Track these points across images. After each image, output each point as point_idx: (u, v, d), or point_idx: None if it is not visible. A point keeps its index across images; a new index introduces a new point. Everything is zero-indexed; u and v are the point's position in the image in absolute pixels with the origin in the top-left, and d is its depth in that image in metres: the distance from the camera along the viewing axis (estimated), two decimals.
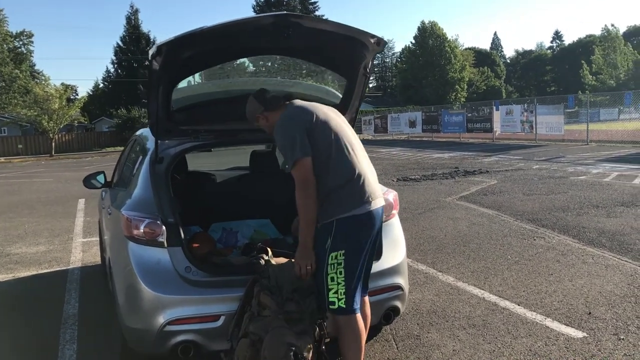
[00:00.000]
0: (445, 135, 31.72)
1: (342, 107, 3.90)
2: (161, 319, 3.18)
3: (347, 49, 3.54)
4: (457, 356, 3.79)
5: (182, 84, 3.60)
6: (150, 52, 3.10)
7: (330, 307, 2.97)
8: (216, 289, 3.26)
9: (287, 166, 3.02)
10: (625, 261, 5.91)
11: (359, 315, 3.03)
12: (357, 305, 3.02)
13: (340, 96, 3.95)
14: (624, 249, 6.39)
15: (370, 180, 3.04)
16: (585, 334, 4.05)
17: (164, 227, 3.31)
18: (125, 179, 4.44)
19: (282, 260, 3.21)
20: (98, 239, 6.80)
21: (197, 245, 3.74)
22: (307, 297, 2.97)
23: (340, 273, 2.95)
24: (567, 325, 4.24)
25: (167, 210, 3.41)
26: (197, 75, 3.70)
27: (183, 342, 3.20)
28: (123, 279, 3.43)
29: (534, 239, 7.04)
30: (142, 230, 3.32)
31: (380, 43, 3.36)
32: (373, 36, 3.33)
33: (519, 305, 4.71)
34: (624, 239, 6.83)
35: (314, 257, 2.95)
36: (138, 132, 5.00)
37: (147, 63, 3.50)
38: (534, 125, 24.97)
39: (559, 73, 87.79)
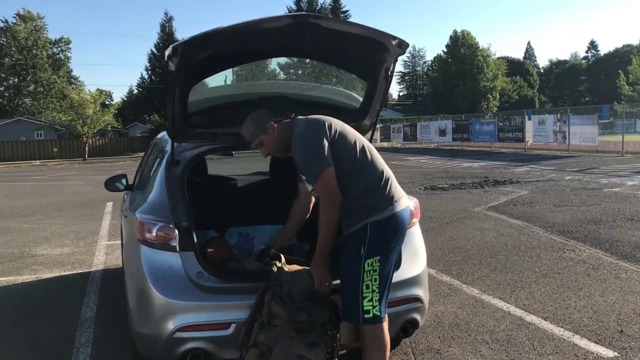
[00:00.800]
0: (476, 144, 31.29)
1: (362, 111, 3.80)
2: (171, 325, 3.10)
3: (367, 51, 3.43)
4: None
5: (200, 86, 3.53)
6: (167, 52, 3.05)
7: (365, 316, 2.88)
8: (228, 295, 3.17)
9: (306, 178, 2.96)
10: None
11: (385, 324, 2.94)
12: (385, 314, 2.95)
13: (361, 100, 3.84)
14: None
15: (396, 182, 3.01)
16: (616, 354, 3.84)
17: (176, 231, 3.25)
18: (143, 182, 4.40)
19: (296, 267, 3.11)
20: (120, 242, 6.81)
21: (212, 250, 3.67)
22: (318, 307, 2.86)
23: (375, 280, 2.87)
24: (597, 343, 4.03)
25: (181, 213, 3.35)
26: (214, 78, 3.63)
27: (192, 350, 3.11)
28: (135, 283, 3.37)
29: (564, 252, 6.79)
30: (154, 234, 3.26)
31: (402, 45, 3.25)
32: (395, 38, 3.22)
33: (545, 320, 4.51)
34: None
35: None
36: (159, 135, 4.97)
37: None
38: (566, 136, 24.43)
39: (593, 83, 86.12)
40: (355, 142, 2.93)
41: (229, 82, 3.88)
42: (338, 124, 2.95)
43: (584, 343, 4.03)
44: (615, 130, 28.11)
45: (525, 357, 3.82)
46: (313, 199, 3.29)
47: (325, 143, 2.80)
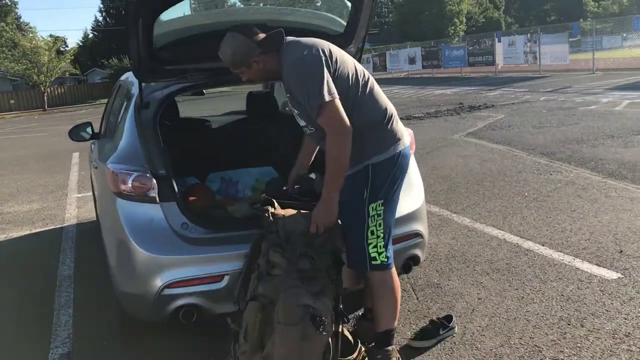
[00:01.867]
0: (447, 70, 30.92)
1: (346, 37, 3.45)
2: (158, 282, 2.85)
3: None
4: (483, 305, 3.49)
5: (165, 16, 3.13)
6: None
7: (373, 262, 2.67)
8: (218, 246, 2.92)
9: (298, 112, 2.63)
10: None
11: (394, 270, 2.74)
12: (392, 259, 2.75)
13: (345, 24, 3.49)
14: None
15: (398, 118, 2.73)
16: (620, 275, 3.74)
17: (154, 181, 2.94)
18: (111, 129, 4.04)
19: (291, 212, 2.85)
20: (92, 194, 6.47)
21: (193, 198, 3.38)
22: (321, 253, 2.63)
23: (380, 225, 2.65)
24: (599, 265, 3.93)
25: (158, 161, 3.04)
26: (181, 5, 3.22)
27: (184, 306, 2.88)
28: (114, 240, 3.09)
29: (551, 174, 6.68)
30: (130, 185, 2.95)
31: None
32: None
33: (543, 245, 4.39)
34: None
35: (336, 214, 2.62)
36: (123, 77, 4.55)
37: None
38: (537, 56, 24.21)
39: (558, 1, 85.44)
40: (356, 73, 2.61)
41: (197, 11, 3.47)
42: (337, 50, 2.60)
43: (585, 267, 3.93)
44: (583, 47, 27.93)
45: (528, 286, 3.69)
46: None
47: (326, 72, 2.46)
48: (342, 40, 3.54)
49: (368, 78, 2.63)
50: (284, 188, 3.10)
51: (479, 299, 3.58)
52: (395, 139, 2.65)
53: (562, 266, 3.97)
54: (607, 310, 3.28)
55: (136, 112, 3.26)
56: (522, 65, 25.69)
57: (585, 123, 10.08)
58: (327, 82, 2.42)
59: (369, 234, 2.64)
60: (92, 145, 5.14)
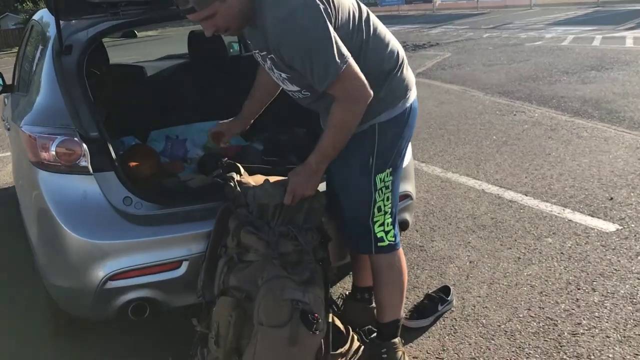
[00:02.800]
0: (383, 9, 30.18)
1: None
2: (99, 274, 2.26)
3: None
4: (478, 270, 3.09)
5: None
6: None
7: (379, 244, 2.18)
8: (172, 225, 2.33)
9: (288, 77, 1.97)
10: (623, 131, 5.31)
11: (401, 250, 2.27)
12: (399, 237, 2.28)
13: None
14: (615, 117, 5.79)
15: (407, 62, 2.15)
16: (618, 226, 3.42)
17: (84, 145, 2.30)
18: (25, 81, 3.30)
19: (260, 179, 2.30)
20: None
21: (135, 163, 2.75)
22: (305, 230, 2.10)
23: (388, 199, 2.15)
24: (592, 216, 3.60)
25: (87, 119, 2.39)
26: None
27: (134, 301, 2.31)
28: (37, 223, 2.45)
29: (514, 114, 6.34)
30: (53, 153, 2.30)
31: None
32: None
33: (526, 195, 4.03)
34: (610, 106, 6.23)
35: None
36: (36, 16, 3.74)
37: None
38: None
39: None
40: (358, 9, 1.99)
41: None
42: None
43: (578, 218, 3.59)
44: None
45: (522, 244, 3.32)
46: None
47: (332, 29, 1.81)
48: None
49: (368, 14, 2.02)
50: (224, 160, 2.47)
51: (470, 262, 3.18)
52: (406, 89, 2.10)
53: (553, 218, 3.62)
54: (616, 270, 2.94)
55: (55, 58, 2.57)
56: (460, 2, 25.43)
57: (535, 59, 9.82)
58: (336, 44, 1.79)
59: (376, 210, 2.13)
60: (6, 100, 4.34)
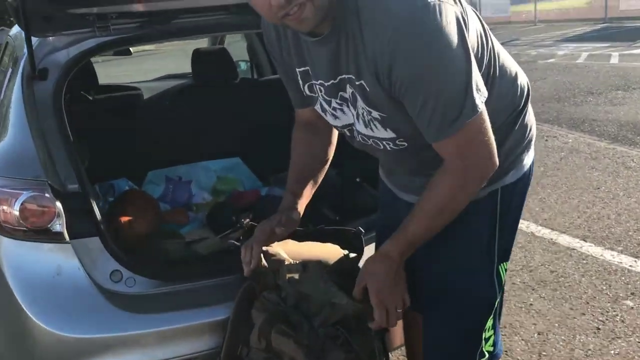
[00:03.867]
0: None
1: None
2: None
3: None
4: (550, 346, 2.50)
5: None
6: None
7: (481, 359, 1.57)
8: (172, 312, 1.75)
9: (384, 121, 1.32)
10: None
11: None
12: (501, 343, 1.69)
13: None
14: None
15: None
16: None
17: (59, 204, 1.72)
18: None
19: (294, 248, 1.71)
20: None
21: (128, 218, 2.16)
22: (362, 333, 1.51)
23: (500, 299, 1.57)
24: None
25: (65, 166, 1.81)
26: None
27: None
28: None
29: (546, 140, 5.78)
30: (17, 213, 1.71)
31: None
32: None
33: (585, 241, 3.46)
34: None
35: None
36: (13, 30, 3.16)
37: None
38: (478, 8, 23.47)
39: None
40: (484, 31, 1.34)
41: None
42: None
43: None
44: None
45: (596, 307, 2.75)
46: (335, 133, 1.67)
47: (473, 57, 1.19)
48: None
49: (489, 33, 1.37)
50: (246, 221, 1.85)
51: (538, 333, 2.60)
52: (532, 136, 1.52)
53: (625, 273, 3.04)
54: None
55: (25, 85, 1.99)
56: None
57: (552, 78, 9.30)
58: (477, 81, 1.20)
59: (489, 318, 1.54)
60: None
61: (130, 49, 4.81)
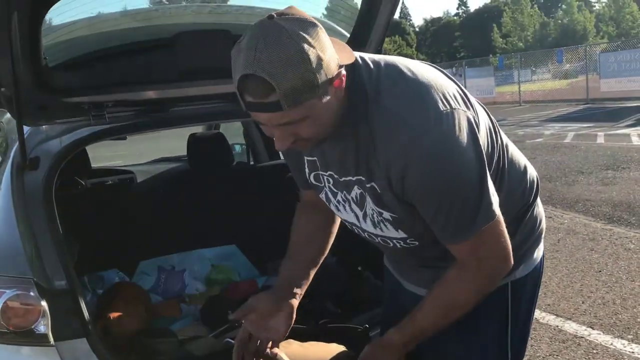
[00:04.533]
0: None
1: (357, 40, 2.24)
2: None
3: None
4: None
5: (64, 11, 1.84)
6: None
7: None
8: None
9: (394, 221, 1.27)
10: None
11: None
12: None
13: (350, 25, 2.28)
14: None
15: None
16: None
17: (44, 303, 1.61)
18: None
19: (298, 350, 1.59)
20: None
21: (117, 314, 2.03)
22: None
23: None
24: None
25: (53, 262, 1.71)
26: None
27: None
28: None
29: None
30: None
31: None
32: None
33: (592, 328, 3.32)
34: None
35: None
36: (5, 116, 3.13)
37: None
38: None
39: (467, 38, 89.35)
40: (492, 126, 1.31)
41: (120, 9, 2.15)
42: (465, 93, 1.26)
43: None
44: (503, 81, 28.32)
45: None
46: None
47: (485, 158, 1.17)
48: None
49: (497, 127, 1.35)
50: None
51: None
52: (542, 229, 1.48)
53: None
54: None
55: (14, 177, 1.92)
56: None
57: (542, 158, 9.41)
58: (491, 185, 1.18)
59: None
60: None
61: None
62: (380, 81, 1.14)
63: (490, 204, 1.16)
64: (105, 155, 7.02)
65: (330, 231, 1.56)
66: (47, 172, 1.89)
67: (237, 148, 4.60)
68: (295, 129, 1.09)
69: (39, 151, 1.98)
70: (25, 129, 1.96)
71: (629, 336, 3.20)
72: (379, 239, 1.33)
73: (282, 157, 3.81)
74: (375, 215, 1.26)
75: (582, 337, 3.24)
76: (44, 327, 1.61)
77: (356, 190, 1.25)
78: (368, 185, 1.21)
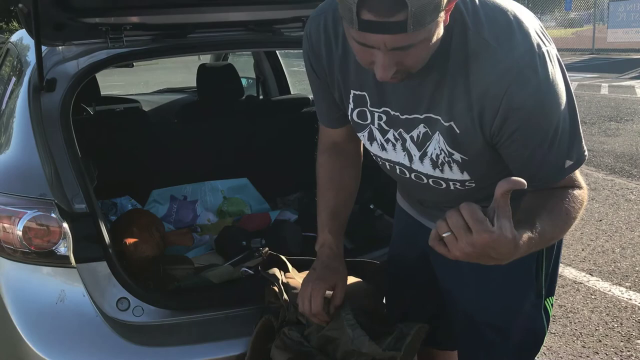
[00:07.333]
0: None
1: None
2: None
3: None
4: None
5: None
6: None
7: None
8: (185, 345, 1.64)
9: (465, 164, 1.23)
10: None
11: None
12: None
13: None
14: None
15: None
16: None
17: (65, 225, 1.61)
18: None
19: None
20: None
21: (133, 240, 2.04)
22: None
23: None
24: None
25: (73, 185, 1.70)
26: None
27: None
28: None
29: None
30: (20, 234, 1.60)
31: None
32: None
33: (591, 275, 3.39)
34: None
35: None
36: (14, 36, 3.04)
37: None
38: None
39: None
40: None
41: None
42: None
43: None
44: None
45: (609, 345, 2.67)
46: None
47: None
48: None
49: None
50: (265, 248, 1.78)
51: None
52: None
53: (635, 311, 2.97)
54: None
55: (32, 97, 1.88)
56: None
57: None
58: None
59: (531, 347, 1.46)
60: None
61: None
62: (478, 11, 1.10)
63: (582, 144, 1.16)
64: (106, 84, 6.92)
65: (360, 173, 1.56)
66: (64, 95, 1.86)
67: (244, 82, 4.53)
68: (404, 57, 1.02)
69: (55, 73, 1.94)
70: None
71: (627, 284, 3.27)
72: (430, 180, 1.29)
73: (291, 91, 3.78)
74: (442, 156, 1.22)
75: (581, 282, 3.31)
76: (64, 248, 1.62)
77: (420, 129, 1.21)
78: (446, 125, 1.16)
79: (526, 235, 1.01)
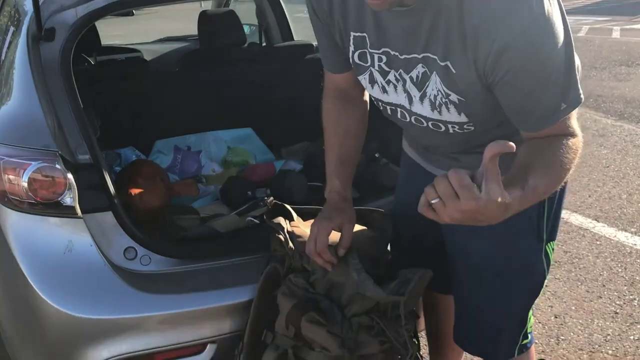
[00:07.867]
0: None
1: None
2: None
3: None
4: (568, 329, 2.46)
5: None
6: None
7: (523, 342, 1.51)
8: (192, 293, 1.66)
9: (462, 105, 1.20)
10: None
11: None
12: None
13: None
14: None
15: None
16: None
17: (70, 176, 1.61)
18: None
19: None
20: None
21: (138, 190, 2.05)
22: (396, 318, 1.43)
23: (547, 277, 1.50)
24: None
25: (76, 135, 1.69)
26: None
27: None
28: (2, 284, 1.76)
29: None
30: (25, 184, 1.60)
31: None
32: None
33: (597, 221, 3.40)
34: None
35: None
36: None
37: None
38: None
39: None
40: None
41: None
42: None
43: None
44: None
45: (613, 290, 2.71)
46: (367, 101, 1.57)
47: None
48: None
49: None
50: (268, 198, 1.78)
51: (555, 316, 2.55)
52: None
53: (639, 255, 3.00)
54: None
55: (31, 47, 1.85)
56: None
57: None
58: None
59: (531, 294, 1.48)
60: None
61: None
62: None
63: (578, 87, 1.12)
64: (105, 34, 6.82)
65: (366, 120, 1.55)
66: (64, 44, 1.82)
67: (247, 29, 4.44)
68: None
69: (54, 22, 1.89)
70: None
71: (632, 229, 3.27)
72: (429, 122, 1.27)
73: (294, 38, 3.70)
74: (439, 97, 1.20)
75: (586, 229, 3.32)
76: (70, 199, 1.62)
77: (419, 69, 1.19)
78: (442, 64, 1.14)
79: (518, 194, 1.00)
